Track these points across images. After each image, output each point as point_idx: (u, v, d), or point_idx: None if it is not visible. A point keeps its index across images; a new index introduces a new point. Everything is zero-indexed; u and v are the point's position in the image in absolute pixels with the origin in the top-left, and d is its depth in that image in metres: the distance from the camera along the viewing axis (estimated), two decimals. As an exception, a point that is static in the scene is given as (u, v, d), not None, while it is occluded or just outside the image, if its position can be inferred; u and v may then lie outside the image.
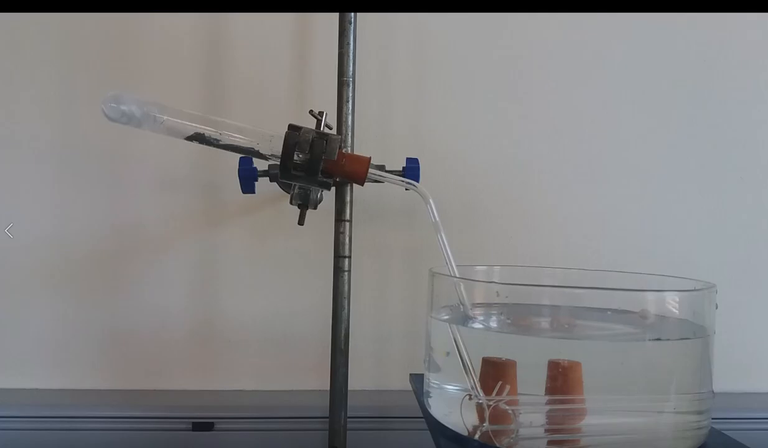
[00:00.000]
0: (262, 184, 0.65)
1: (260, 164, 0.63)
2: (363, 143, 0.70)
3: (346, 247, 0.65)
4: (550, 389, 0.47)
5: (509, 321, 0.52)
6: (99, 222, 0.76)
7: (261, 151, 0.57)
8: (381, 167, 0.64)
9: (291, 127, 0.56)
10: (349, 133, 0.66)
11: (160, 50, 0.76)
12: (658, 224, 0.80)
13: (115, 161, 0.76)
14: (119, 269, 0.77)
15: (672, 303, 0.48)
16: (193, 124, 0.57)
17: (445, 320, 0.53)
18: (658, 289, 0.51)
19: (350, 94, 0.66)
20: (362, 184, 0.59)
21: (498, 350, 0.49)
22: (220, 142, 0.57)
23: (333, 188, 0.63)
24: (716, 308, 0.50)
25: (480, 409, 0.47)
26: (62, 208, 0.76)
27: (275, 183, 0.66)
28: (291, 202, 0.61)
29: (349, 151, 0.65)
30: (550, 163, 0.79)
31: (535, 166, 0.79)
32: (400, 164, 0.65)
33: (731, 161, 0.80)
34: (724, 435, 0.50)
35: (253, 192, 0.66)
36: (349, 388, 0.66)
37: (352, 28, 0.66)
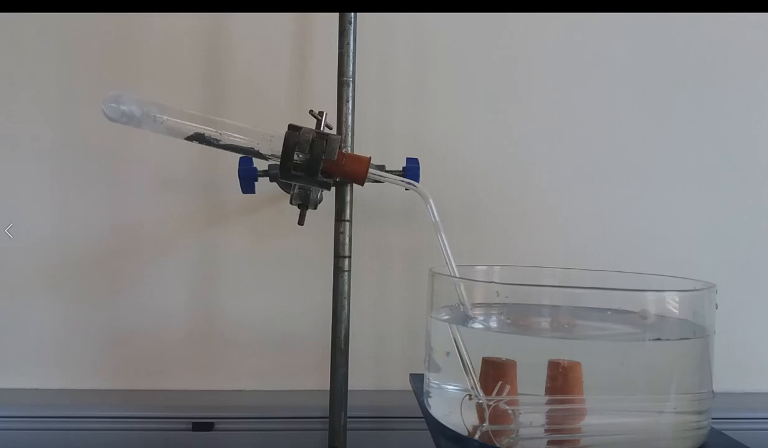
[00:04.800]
0: (262, 184, 0.65)
1: (260, 164, 0.63)
2: (363, 143, 0.70)
3: (346, 247, 0.65)
4: (550, 389, 0.47)
5: (509, 321, 0.52)
6: (99, 222, 0.76)
7: (261, 151, 0.57)
8: (381, 167, 0.64)
9: (291, 127, 0.56)
10: (349, 133, 0.66)
11: (160, 50, 0.76)
12: (658, 224, 0.80)
13: (115, 161, 0.76)
14: (119, 269, 0.77)
15: (672, 303, 0.48)
16: (193, 124, 0.57)
17: (445, 320, 0.53)
18: (658, 289, 0.51)
19: (350, 94, 0.66)
20: (362, 184, 0.59)
21: (498, 350, 0.49)
22: (220, 142, 0.57)
23: (333, 188, 0.63)
24: (716, 308, 0.50)
25: (480, 409, 0.47)
26: (62, 208, 0.76)
27: (275, 183, 0.66)
28: (291, 202, 0.60)
29: (349, 151, 0.65)
30: (550, 163, 0.79)
31: (535, 166, 0.79)
32: (400, 164, 0.65)
33: (731, 161, 0.80)
34: (724, 435, 0.50)
35: (253, 192, 0.66)
36: (349, 388, 0.66)
37: (352, 28, 0.66)
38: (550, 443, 0.47)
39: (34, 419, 0.71)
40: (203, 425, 0.72)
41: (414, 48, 0.78)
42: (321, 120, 0.57)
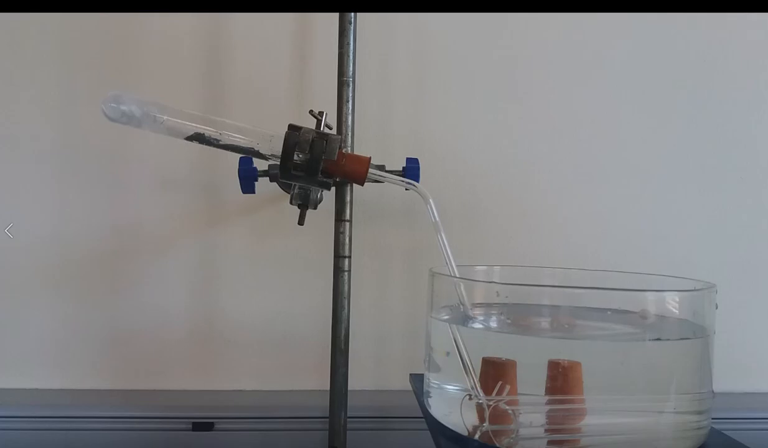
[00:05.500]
0: (262, 184, 0.65)
1: (260, 164, 0.63)
2: (363, 143, 0.70)
3: (346, 247, 0.65)
4: (550, 389, 0.47)
5: (509, 321, 0.52)
6: (99, 222, 0.76)
7: (261, 151, 0.57)
8: (381, 167, 0.64)
9: (291, 127, 0.56)
10: (349, 133, 0.66)
11: (160, 50, 0.76)
12: (658, 224, 0.80)
13: (115, 161, 0.76)
14: (119, 269, 0.77)
15: (672, 303, 0.48)
16: (193, 124, 0.57)
17: (445, 320, 0.53)
18: (658, 289, 0.51)
19: (350, 94, 0.66)
20: (362, 184, 0.59)
21: (498, 350, 0.49)
22: (220, 142, 0.57)
23: (333, 188, 0.63)
24: (716, 308, 0.50)
25: (480, 409, 0.47)
26: (62, 208, 0.76)
27: (275, 183, 0.66)
28: (291, 202, 0.60)
29: (349, 151, 0.65)
30: (550, 163, 0.79)
31: (535, 166, 0.79)
32: (400, 164, 0.65)
33: (731, 161, 0.80)
34: (724, 435, 0.50)
35: (253, 192, 0.66)
36: (349, 388, 0.66)
37: (352, 28, 0.66)
38: (550, 443, 0.47)
39: (34, 419, 0.71)
40: (203, 425, 0.72)
41: (414, 48, 0.78)
42: (321, 120, 0.57)
